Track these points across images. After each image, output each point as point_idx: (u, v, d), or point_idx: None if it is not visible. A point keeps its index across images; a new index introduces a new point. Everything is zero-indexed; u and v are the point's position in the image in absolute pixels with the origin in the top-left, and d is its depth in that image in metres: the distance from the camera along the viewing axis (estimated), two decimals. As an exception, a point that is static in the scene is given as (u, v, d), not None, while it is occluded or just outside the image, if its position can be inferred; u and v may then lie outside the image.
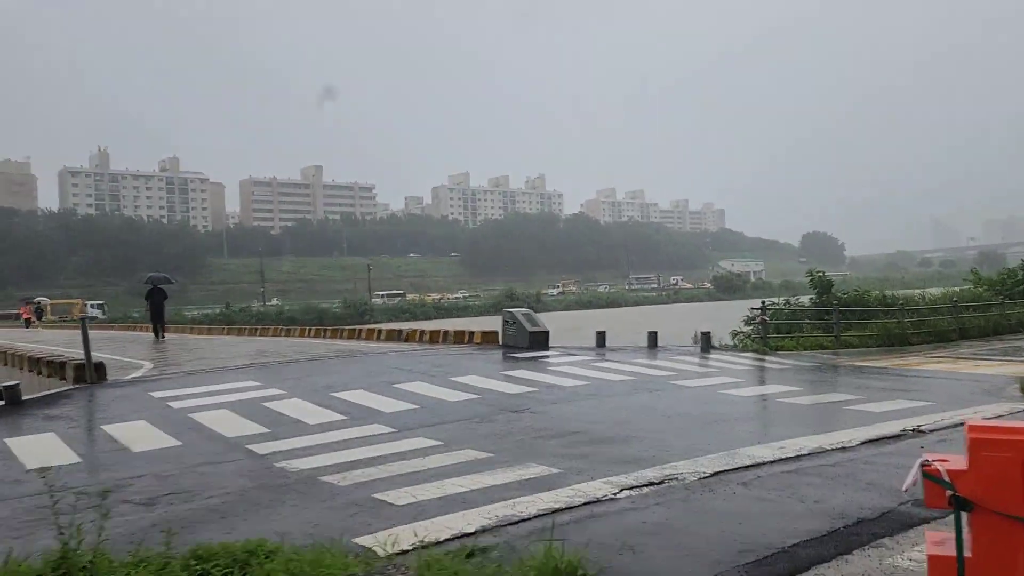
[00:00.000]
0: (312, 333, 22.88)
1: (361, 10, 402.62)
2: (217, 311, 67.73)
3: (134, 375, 12.19)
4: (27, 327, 46.06)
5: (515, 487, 5.73)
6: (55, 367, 12.65)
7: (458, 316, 72.90)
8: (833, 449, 6.83)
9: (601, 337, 16.21)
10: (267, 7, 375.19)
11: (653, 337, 15.96)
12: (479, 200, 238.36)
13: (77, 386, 11.17)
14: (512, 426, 8.19)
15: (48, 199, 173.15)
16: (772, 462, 6.36)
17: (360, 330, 20.19)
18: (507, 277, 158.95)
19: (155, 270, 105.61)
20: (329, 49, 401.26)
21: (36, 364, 13.95)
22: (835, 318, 17.62)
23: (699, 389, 10.57)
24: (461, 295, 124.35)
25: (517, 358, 13.70)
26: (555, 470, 6.21)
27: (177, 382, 11.34)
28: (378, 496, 5.62)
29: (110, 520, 5.37)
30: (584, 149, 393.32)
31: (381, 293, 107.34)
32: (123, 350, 19.53)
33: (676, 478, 5.89)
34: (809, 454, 6.64)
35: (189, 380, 11.43)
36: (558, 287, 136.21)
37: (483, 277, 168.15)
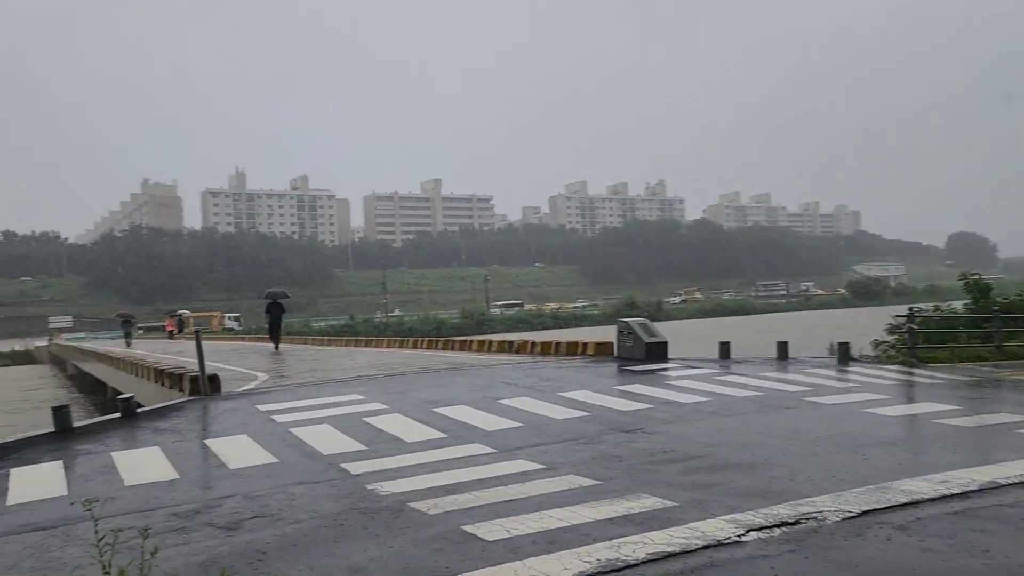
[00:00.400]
0: (425, 344, 22.78)
1: (473, 25, 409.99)
2: (342, 322, 69.83)
3: (246, 387, 12.23)
4: (170, 338, 48.74)
5: (622, 523, 5.01)
6: (175, 379, 12.88)
7: (576, 326, 72.23)
8: (1010, 484, 5.70)
9: (725, 348, 15.12)
10: (397, 23, 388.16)
11: (783, 348, 14.71)
12: (597, 208, 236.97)
13: (192, 398, 11.28)
14: (623, 448, 7.44)
15: (192, 218, 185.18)
16: (934, 500, 5.33)
17: (471, 341, 19.84)
18: (627, 286, 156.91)
19: (287, 283, 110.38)
20: (442, 64, 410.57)
21: (160, 376, 14.31)
22: (996, 326, 15.78)
23: (838, 407, 9.43)
24: (579, 304, 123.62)
25: (632, 371, 12.89)
26: (669, 503, 5.44)
27: (284, 395, 11.24)
28: (468, 528, 5.04)
29: (187, 547, 5.08)
30: (705, 154, 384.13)
31: (499, 303, 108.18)
32: (244, 361, 20.03)
33: (814, 517, 4.99)
34: (980, 490, 5.56)
35: (296, 393, 11.31)
36: (680, 295, 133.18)
37: (602, 286, 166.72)
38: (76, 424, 9.07)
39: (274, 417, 9.41)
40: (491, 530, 4.98)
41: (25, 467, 7.45)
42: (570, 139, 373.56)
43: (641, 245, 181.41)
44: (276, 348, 25.32)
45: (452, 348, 19.76)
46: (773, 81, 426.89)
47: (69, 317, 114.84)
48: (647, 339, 14.47)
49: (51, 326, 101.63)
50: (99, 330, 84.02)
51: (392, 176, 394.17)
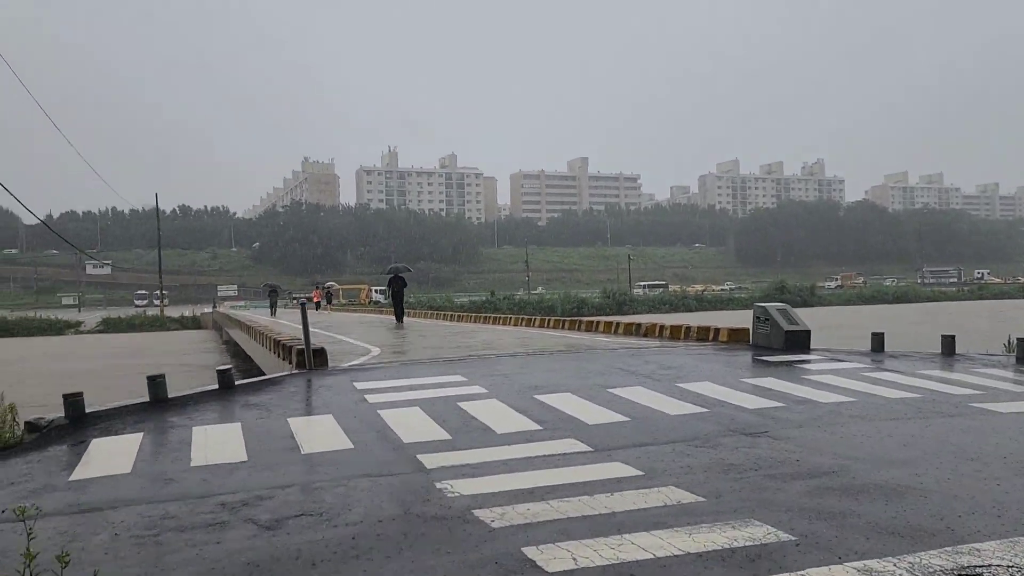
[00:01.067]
0: (551, 324, 21.98)
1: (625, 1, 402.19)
2: (483, 298, 70.45)
3: (353, 362, 11.88)
4: (317, 309, 50.29)
5: (718, 561, 3.98)
6: (285, 351, 12.78)
7: (722, 309, 69.35)
8: None
9: (879, 340, 13.36)
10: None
11: (949, 342, 12.79)
12: (749, 188, 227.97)
13: (296, 371, 11.05)
14: (740, 455, 6.31)
15: (347, 195, 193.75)
16: None
17: (597, 322, 18.87)
18: (778, 269, 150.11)
19: (434, 259, 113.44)
20: (592, 42, 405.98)
21: (276, 347, 14.34)
22: None
23: (1016, 418, 7.81)
24: (727, 287, 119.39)
25: (767, 362, 11.51)
26: (784, 536, 4.34)
27: (387, 372, 10.78)
28: (528, 552, 4.18)
29: (215, 547, 4.53)
30: (869, 133, 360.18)
31: (642, 284, 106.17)
32: (367, 334, 20.05)
33: (979, 574, 3.76)
34: None
35: (400, 371, 10.82)
36: (836, 280, 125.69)
37: (751, 269, 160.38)
38: (172, 395, 8.93)
39: (367, 397, 8.91)
40: (555, 556, 4.11)
41: (106, 438, 7.28)
42: (723, 117, 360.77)
43: (795, 227, 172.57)
44: (399, 322, 25.49)
45: (578, 329, 18.84)
46: (948, 58, 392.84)
47: (235, 286, 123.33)
48: (786, 327, 12.97)
49: (219, 295, 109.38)
50: (259, 299, 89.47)
51: (539, 155, 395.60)
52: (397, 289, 25.55)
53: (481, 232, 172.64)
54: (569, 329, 19.45)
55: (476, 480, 5.71)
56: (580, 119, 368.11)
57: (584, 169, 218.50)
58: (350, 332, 19.94)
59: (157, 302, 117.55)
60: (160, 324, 59.85)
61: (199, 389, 9.56)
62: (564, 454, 6.44)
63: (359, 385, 9.66)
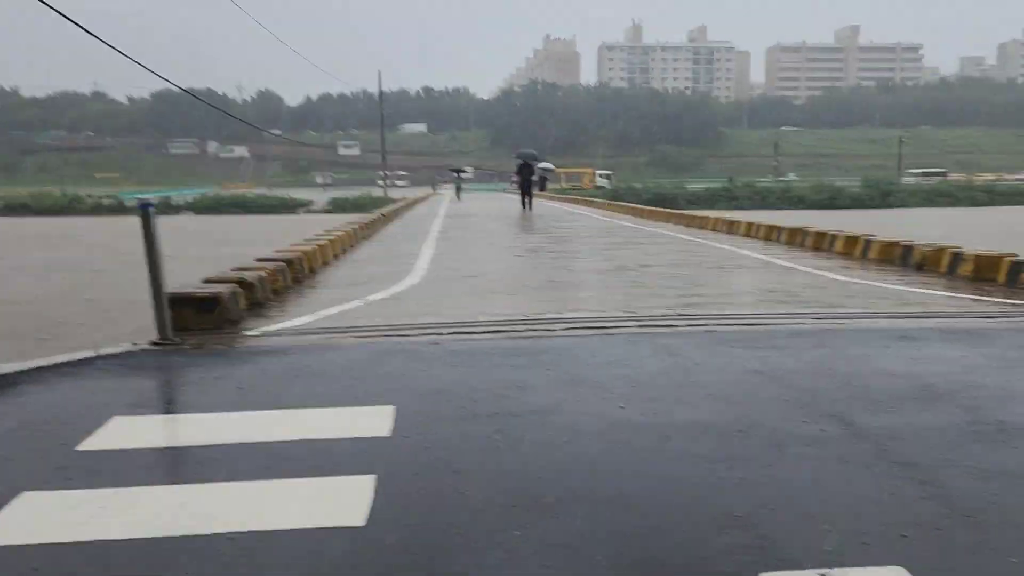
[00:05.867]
0: (759, 233, 15.99)
1: None
2: (720, 186, 63.20)
3: (281, 324, 6.17)
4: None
5: None
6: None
7: (1020, 204, 56.65)
8: None
9: None
10: None
11: None
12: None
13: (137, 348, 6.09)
14: None
15: (589, 75, 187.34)
16: None
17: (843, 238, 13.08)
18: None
19: (675, 142, 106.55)
20: None
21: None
22: None
23: None
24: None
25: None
26: None
27: (284, 369, 6.44)
28: None
29: None
30: None
31: (915, 171, 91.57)
32: (452, 245, 15.57)
33: None
34: None
35: (320, 363, 6.47)
36: None
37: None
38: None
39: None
40: None
41: None
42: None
43: None
44: (528, 208, 25.88)
45: (737, 233, 13.30)
46: None
47: (470, 169, 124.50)
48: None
49: (465, 175, 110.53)
50: (495, 181, 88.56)
51: (801, 25, 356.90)
52: (526, 176, 26.29)
53: (730, 113, 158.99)
54: (792, 247, 13.28)
55: None
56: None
57: (854, 39, 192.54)
58: (448, 234, 15.70)
59: (399, 182, 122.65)
60: (383, 204, 60.07)
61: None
62: None
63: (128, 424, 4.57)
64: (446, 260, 10.54)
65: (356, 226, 14.96)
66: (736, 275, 8.72)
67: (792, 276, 8.44)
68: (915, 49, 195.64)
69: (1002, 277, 7.43)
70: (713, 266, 9.54)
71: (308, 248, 9.50)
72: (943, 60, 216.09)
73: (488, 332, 5.51)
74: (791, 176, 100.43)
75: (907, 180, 75.59)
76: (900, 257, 9.59)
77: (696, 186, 67.11)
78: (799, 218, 33.82)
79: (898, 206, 54.66)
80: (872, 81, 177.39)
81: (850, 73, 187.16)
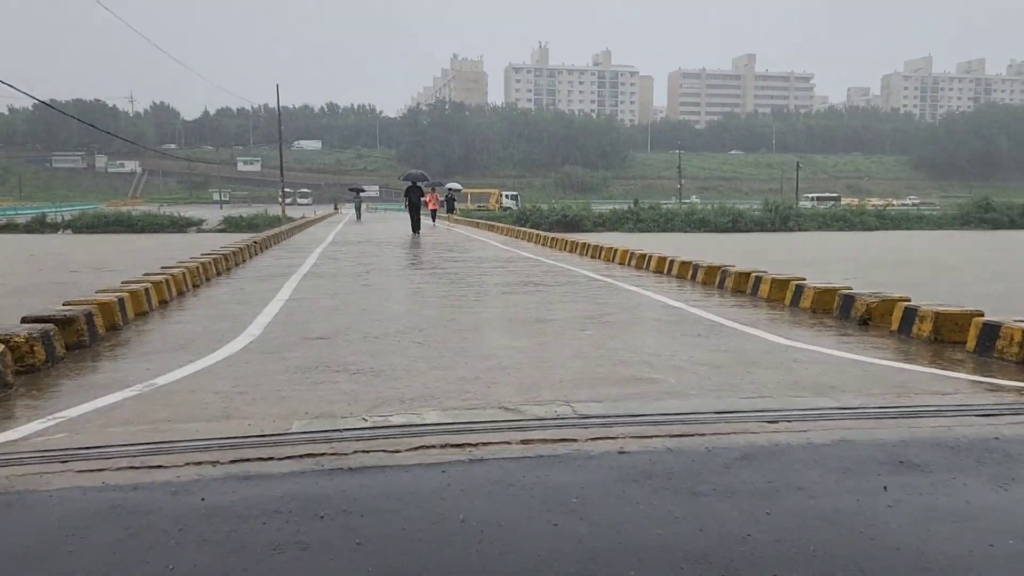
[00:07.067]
0: (634, 262, 14.70)
1: None
2: (625, 207, 62.84)
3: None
4: (433, 221, 39.78)
5: None
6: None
7: (908, 229, 58.43)
8: None
9: None
10: None
11: None
12: (942, 89, 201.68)
13: None
14: None
15: (496, 95, 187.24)
16: None
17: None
18: (971, 183, 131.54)
19: (581, 163, 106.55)
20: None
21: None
22: None
23: None
24: (911, 202, 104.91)
25: None
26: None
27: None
28: None
29: None
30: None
31: (811, 195, 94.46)
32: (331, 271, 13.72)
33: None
34: None
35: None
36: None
37: (939, 182, 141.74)
38: None
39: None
40: None
41: None
42: (913, 8, 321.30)
43: (996, 134, 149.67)
44: (415, 232, 24.78)
45: (611, 260, 11.94)
46: None
47: (377, 187, 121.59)
48: None
49: (364, 194, 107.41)
50: (397, 200, 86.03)
51: (701, 53, 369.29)
52: (414, 200, 25.27)
53: (634, 135, 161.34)
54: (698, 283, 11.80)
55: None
56: (748, 12, 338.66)
57: (751, 68, 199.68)
58: (322, 267, 13.68)
59: (302, 200, 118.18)
60: (279, 224, 56.94)
61: None
62: None
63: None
64: (299, 311, 8.52)
65: (213, 257, 12.79)
66: (653, 336, 7.07)
67: (722, 338, 6.85)
68: (807, 79, 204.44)
69: (971, 343, 6.08)
70: (627, 322, 7.85)
71: (116, 296, 7.38)
72: (832, 90, 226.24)
73: (294, 457, 3.62)
74: (694, 199, 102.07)
75: (803, 204, 77.45)
76: (839, 308, 8.01)
77: (602, 208, 66.62)
78: (706, 243, 32.99)
79: (797, 229, 55.40)
80: (768, 108, 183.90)
81: (747, 100, 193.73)
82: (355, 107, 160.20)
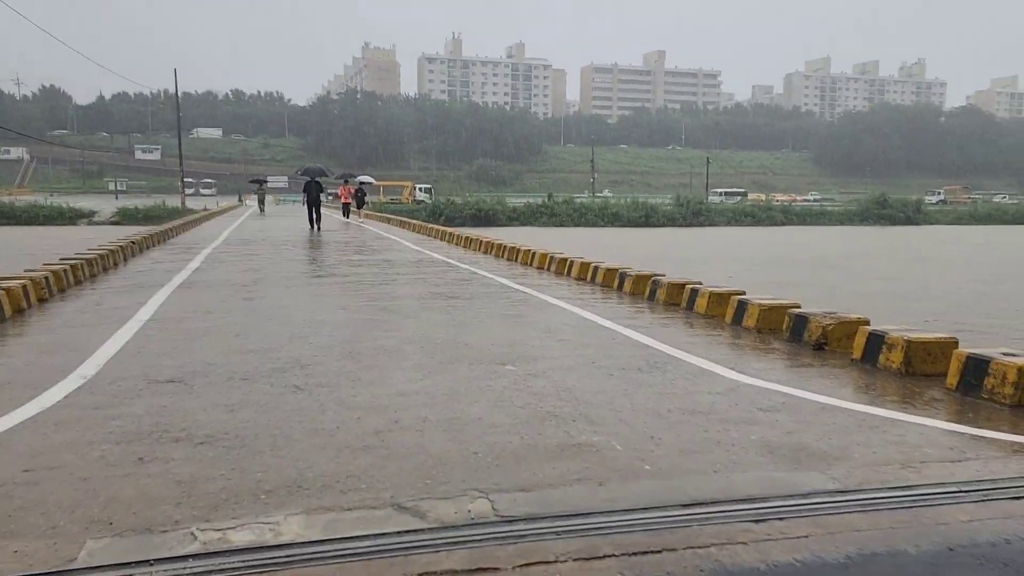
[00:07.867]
0: (537, 262, 13.76)
1: None
2: (539, 201, 62.11)
3: None
4: (344, 216, 37.87)
5: None
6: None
7: (814, 224, 59.78)
8: None
9: None
10: None
11: None
12: (840, 89, 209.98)
13: None
14: None
15: (410, 85, 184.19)
16: None
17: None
18: (868, 179, 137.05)
19: (495, 156, 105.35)
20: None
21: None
22: None
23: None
24: (813, 198, 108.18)
25: None
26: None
27: None
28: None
29: None
30: (976, 30, 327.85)
31: (719, 191, 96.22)
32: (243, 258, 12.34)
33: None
34: None
35: None
36: (937, 194, 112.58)
37: (838, 178, 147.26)
38: None
39: None
40: None
41: None
42: (813, 10, 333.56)
43: (890, 133, 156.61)
44: (316, 230, 23.83)
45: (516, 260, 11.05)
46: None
47: (285, 178, 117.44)
48: None
49: (268, 185, 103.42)
50: (296, 192, 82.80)
51: (613, 48, 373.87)
52: (314, 195, 24.29)
53: (547, 129, 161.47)
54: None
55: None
56: (659, 8, 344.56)
57: (661, 63, 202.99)
58: (205, 275, 12.11)
59: (205, 191, 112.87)
60: (178, 216, 53.59)
61: None
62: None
63: None
64: (157, 337, 6.98)
65: (72, 264, 11.06)
66: (586, 373, 5.88)
67: (667, 374, 5.75)
68: (714, 76, 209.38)
69: (952, 378, 5.20)
70: (554, 354, 6.56)
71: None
72: (738, 87, 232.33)
73: None
74: (607, 192, 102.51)
75: (712, 199, 78.62)
76: (789, 329, 7.06)
77: (516, 201, 65.75)
78: (621, 240, 32.28)
79: (708, 224, 55.87)
80: (678, 104, 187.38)
81: (658, 95, 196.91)
82: (262, 94, 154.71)
